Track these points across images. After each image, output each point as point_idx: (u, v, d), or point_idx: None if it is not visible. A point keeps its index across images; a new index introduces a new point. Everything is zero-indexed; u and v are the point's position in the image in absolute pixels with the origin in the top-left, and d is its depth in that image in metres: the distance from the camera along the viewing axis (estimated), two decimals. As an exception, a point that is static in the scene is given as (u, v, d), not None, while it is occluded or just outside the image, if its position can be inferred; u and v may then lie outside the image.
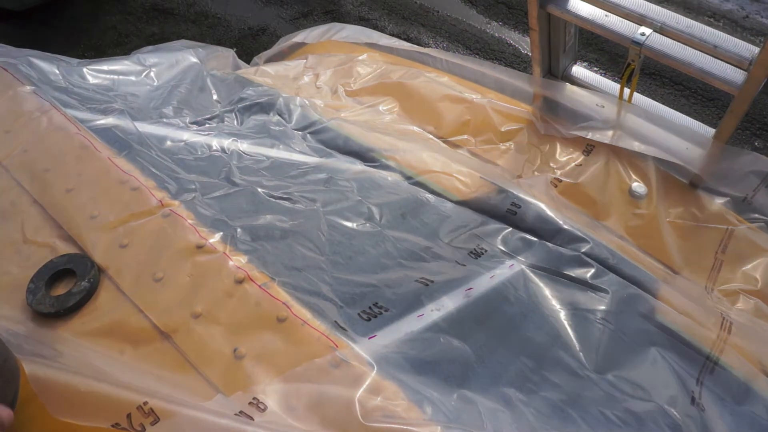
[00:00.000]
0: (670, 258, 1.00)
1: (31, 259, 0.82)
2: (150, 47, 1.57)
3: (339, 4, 2.90)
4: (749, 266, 1.00)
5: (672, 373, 0.82)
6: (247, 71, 1.57)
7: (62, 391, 0.66)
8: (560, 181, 1.10)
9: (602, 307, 0.88)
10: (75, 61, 1.34)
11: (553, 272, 0.92)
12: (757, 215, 1.07)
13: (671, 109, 1.18)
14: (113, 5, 2.97)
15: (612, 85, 1.21)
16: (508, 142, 1.21)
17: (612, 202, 1.08)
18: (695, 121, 1.16)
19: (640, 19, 1.06)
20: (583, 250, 0.94)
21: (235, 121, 1.29)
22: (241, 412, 0.68)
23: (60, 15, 2.91)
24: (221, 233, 0.89)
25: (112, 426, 0.65)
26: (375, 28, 2.48)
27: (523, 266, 0.92)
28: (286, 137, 1.19)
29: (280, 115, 1.29)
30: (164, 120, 1.20)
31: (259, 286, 0.82)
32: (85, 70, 1.31)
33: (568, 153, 1.16)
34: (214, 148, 1.11)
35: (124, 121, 1.11)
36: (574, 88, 1.22)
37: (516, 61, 2.35)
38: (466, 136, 1.24)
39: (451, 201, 1.02)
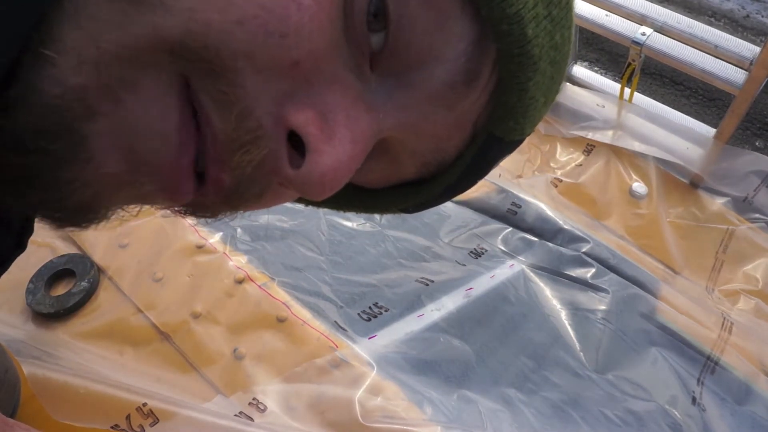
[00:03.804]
0: (670, 258, 1.00)
1: (30, 259, 0.82)
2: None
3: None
4: (750, 266, 1.00)
5: (673, 373, 0.82)
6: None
7: (61, 393, 0.66)
8: (560, 181, 1.10)
9: (603, 307, 0.88)
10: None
11: (554, 272, 0.92)
12: (757, 215, 1.07)
13: (672, 109, 1.18)
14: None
15: (612, 85, 1.21)
16: (508, 141, 1.20)
17: (612, 202, 1.08)
18: (696, 120, 1.15)
19: (641, 19, 1.05)
20: (583, 250, 0.94)
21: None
22: (240, 412, 0.68)
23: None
24: (221, 233, 0.89)
25: (111, 427, 0.65)
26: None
27: (524, 266, 0.92)
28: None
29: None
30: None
31: (259, 286, 0.82)
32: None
33: (569, 153, 1.15)
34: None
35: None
36: (575, 87, 1.22)
37: (516, 61, 2.34)
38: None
39: (451, 201, 1.02)
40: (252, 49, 0.21)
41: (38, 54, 0.20)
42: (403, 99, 0.26)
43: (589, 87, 1.22)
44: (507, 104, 0.29)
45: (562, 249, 0.95)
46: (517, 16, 0.25)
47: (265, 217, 0.93)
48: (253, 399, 0.70)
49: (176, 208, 0.28)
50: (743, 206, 1.07)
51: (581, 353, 0.83)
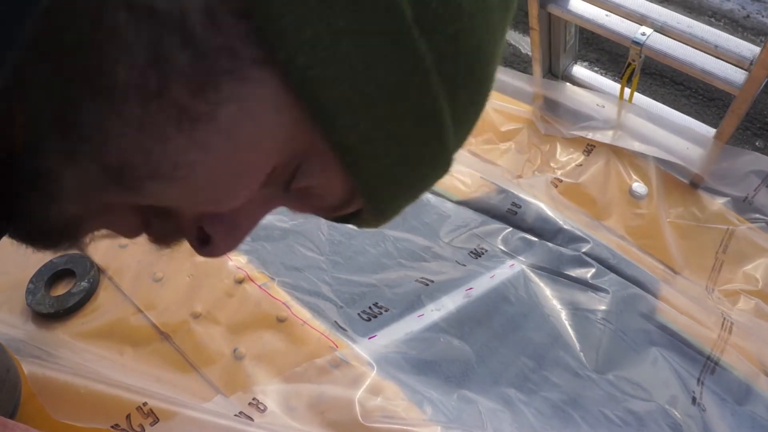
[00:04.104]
0: (670, 258, 1.00)
1: (30, 259, 0.82)
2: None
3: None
4: (750, 266, 1.00)
5: (673, 373, 0.82)
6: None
7: (61, 393, 0.66)
8: (561, 181, 1.10)
9: (603, 307, 0.88)
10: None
11: (554, 272, 0.92)
12: (757, 215, 1.07)
13: (672, 109, 1.18)
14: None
15: (612, 85, 1.21)
16: (508, 142, 1.20)
17: (612, 202, 1.08)
18: (696, 120, 1.15)
19: (641, 19, 1.05)
20: (583, 250, 0.94)
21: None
22: (240, 412, 0.68)
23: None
24: (221, 233, 0.88)
25: (112, 427, 0.65)
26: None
27: (524, 266, 0.92)
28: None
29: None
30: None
31: (259, 286, 0.82)
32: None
33: (569, 153, 1.15)
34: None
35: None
36: (575, 88, 1.22)
37: (516, 61, 2.35)
38: (466, 136, 1.24)
39: (451, 201, 1.02)
40: (199, 214, 0.30)
41: (45, 193, 0.25)
42: (288, 203, 0.34)
43: (589, 87, 1.22)
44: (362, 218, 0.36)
45: (562, 249, 0.95)
46: (390, 210, 0.33)
47: (264, 216, 0.93)
48: (253, 399, 0.70)
49: None
50: (743, 206, 1.07)
51: (581, 353, 0.83)
